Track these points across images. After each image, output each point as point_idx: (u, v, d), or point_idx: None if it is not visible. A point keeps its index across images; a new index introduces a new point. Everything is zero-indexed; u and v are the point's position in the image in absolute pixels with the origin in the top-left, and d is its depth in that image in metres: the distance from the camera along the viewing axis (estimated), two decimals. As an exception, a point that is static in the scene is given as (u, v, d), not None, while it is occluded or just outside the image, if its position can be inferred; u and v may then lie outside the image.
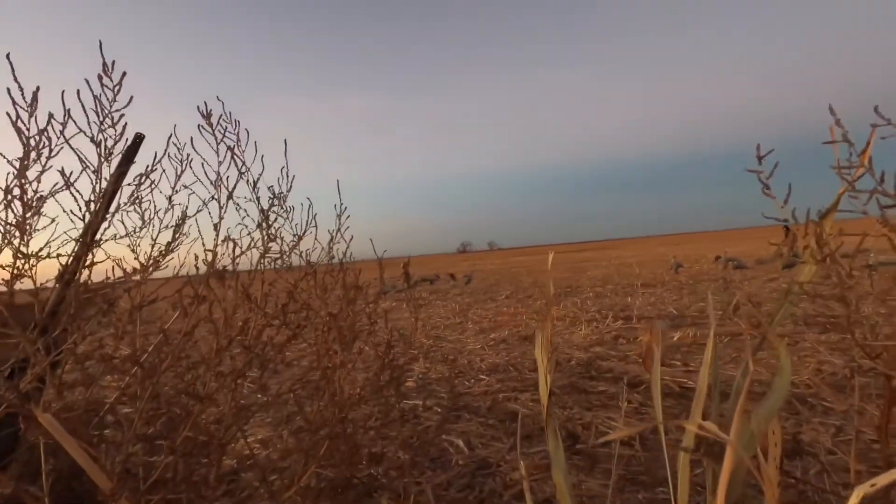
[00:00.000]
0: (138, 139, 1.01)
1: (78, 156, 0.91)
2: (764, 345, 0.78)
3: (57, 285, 0.93)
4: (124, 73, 0.89)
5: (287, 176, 1.14)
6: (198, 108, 0.99)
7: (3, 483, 0.70)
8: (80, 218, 0.95)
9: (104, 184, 0.95)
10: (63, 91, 0.84)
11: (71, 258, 0.95)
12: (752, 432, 0.62)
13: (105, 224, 0.99)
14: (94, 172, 0.94)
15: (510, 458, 2.25)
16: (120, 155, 0.99)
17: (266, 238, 1.09)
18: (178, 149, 1.04)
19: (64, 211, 0.93)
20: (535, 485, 2.00)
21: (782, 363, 0.68)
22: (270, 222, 1.10)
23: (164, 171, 1.05)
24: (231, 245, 1.04)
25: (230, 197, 1.05)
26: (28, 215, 0.87)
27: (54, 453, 0.93)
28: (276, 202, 1.12)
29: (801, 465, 1.87)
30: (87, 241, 0.95)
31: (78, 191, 0.92)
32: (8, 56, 0.77)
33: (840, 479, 1.72)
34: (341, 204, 1.18)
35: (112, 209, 1.00)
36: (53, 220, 0.91)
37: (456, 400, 2.97)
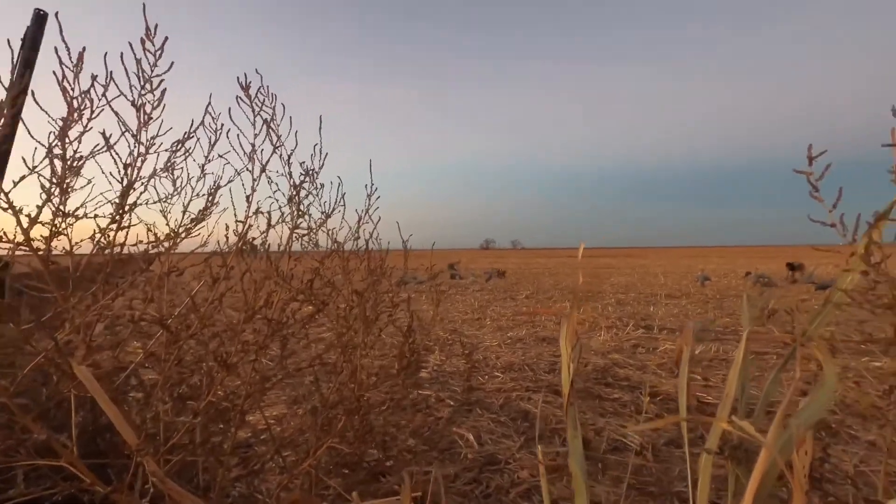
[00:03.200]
0: (40, 15, 0.95)
1: (118, 119, 0.93)
2: (800, 355, 0.74)
3: None
4: (166, 38, 0.90)
5: (320, 153, 1.14)
6: (237, 78, 0.99)
7: (38, 430, 0.73)
8: (118, 181, 0.97)
9: (142, 148, 0.97)
10: (106, 53, 0.86)
11: None
12: (790, 438, 0.59)
13: (136, 190, 1.00)
14: (133, 136, 0.95)
15: (519, 456, 2.23)
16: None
17: (296, 213, 1.10)
18: (213, 118, 1.05)
19: (102, 172, 0.95)
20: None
21: (826, 371, 0.64)
22: (301, 197, 1.10)
23: (198, 139, 1.06)
24: (261, 218, 1.05)
25: (263, 170, 1.05)
26: (68, 174, 0.88)
27: (82, 408, 0.96)
28: (307, 178, 1.13)
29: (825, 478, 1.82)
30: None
31: (117, 153, 0.93)
32: (56, 15, 0.79)
33: (865, 495, 1.66)
34: (372, 184, 1.18)
35: (146, 174, 1.02)
36: (90, 182, 0.93)
37: (469, 394, 2.97)
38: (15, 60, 0.92)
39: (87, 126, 0.90)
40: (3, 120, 0.88)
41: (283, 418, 2.55)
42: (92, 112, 0.90)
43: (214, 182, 1.08)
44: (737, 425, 0.54)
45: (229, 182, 1.07)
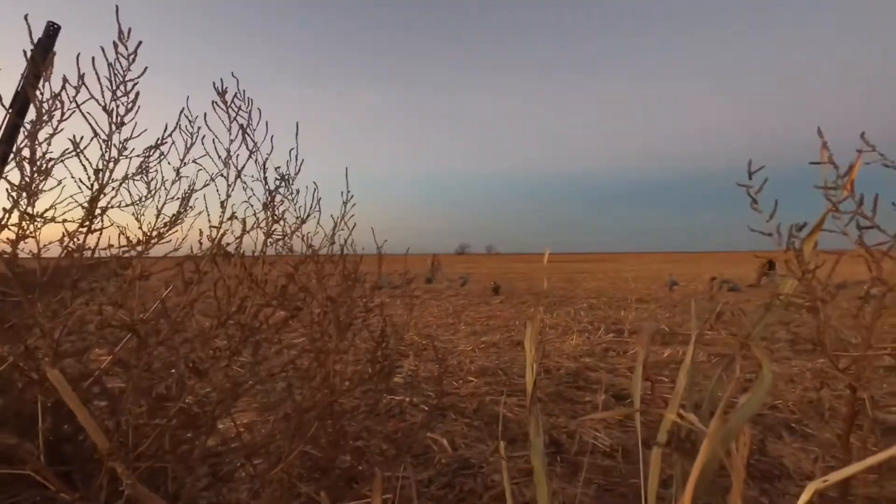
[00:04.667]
0: (52, 29, 0.95)
1: (89, 123, 0.91)
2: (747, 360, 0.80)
3: None
4: (140, 43, 0.89)
5: (296, 158, 1.14)
6: (213, 84, 0.99)
7: (6, 437, 0.71)
8: (88, 186, 0.95)
9: (114, 151, 0.96)
10: (78, 54, 0.84)
11: None
12: (728, 431, 0.65)
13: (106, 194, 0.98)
14: (103, 141, 0.93)
15: (492, 460, 2.25)
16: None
17: (270, 219, 1.10)
18: (190, 121, 1.04)
19: (72, 177, 0.92)
20: (516, 488, 2.01)
21: (763, 371, 0.70)
22: (276, 203, 1.10)
23: (173, 142, 1.05)
24: (236, 223, 1.04)
25: (239, 175, 1.05)
26: (36, 178, 0.86)
27: (46, 416, 0.93)
28: (282, 184, 1.13)
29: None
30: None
31: (87, 158, 0.92)
32: (26, 17, 0.77)
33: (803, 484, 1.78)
34: (348, 191, 1.18)
35: (119, 176, 1.00)
36: (60, 182, 0.90)
37: (442, 398, 2.98)
38: (24, 72, 0.92)
39: (57, 128, 0.88)
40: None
41: (254, 426, 2.51)
42: (63, 114, 0.88)
43: (189, 186, 1.07)
44: (685, 417, 0.59)
45: (205, 186, 1.06)
